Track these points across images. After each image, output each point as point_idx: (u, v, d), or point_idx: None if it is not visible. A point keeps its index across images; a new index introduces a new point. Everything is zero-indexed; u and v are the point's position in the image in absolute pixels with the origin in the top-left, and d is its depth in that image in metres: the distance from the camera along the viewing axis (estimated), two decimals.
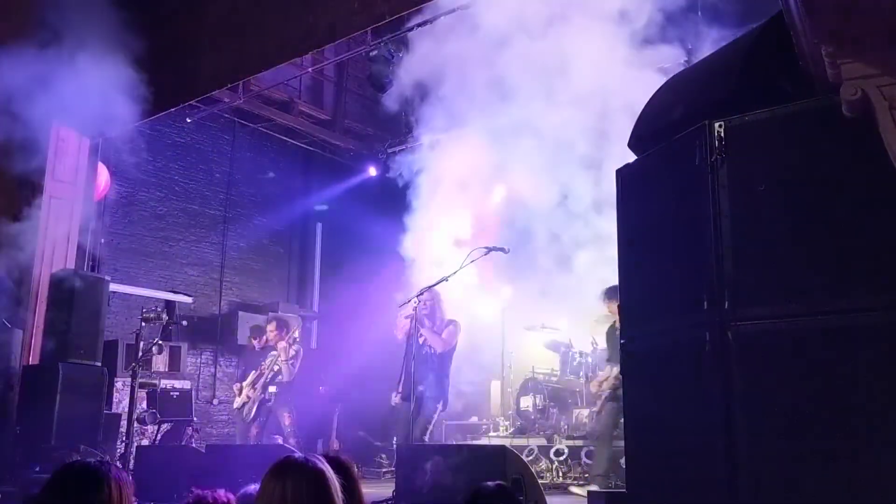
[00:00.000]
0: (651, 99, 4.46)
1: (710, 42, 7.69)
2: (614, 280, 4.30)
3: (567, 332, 9.89)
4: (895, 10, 2.87)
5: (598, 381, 6.95)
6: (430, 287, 6.55)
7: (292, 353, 8.05)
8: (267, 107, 11.10)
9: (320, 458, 2.28)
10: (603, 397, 6.74)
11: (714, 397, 3.33)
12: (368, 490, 6.81)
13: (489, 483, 3.18)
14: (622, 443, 4.35)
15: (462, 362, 11.53)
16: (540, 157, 9.53)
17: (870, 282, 3.07)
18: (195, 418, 9.34)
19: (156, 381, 8.71)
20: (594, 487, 5.94)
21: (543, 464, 7.60)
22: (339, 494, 2.21)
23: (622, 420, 4.86)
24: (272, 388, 8.01)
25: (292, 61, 7.98)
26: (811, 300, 3.17)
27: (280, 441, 7.73)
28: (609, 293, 6.29)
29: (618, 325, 5.90)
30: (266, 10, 7.38)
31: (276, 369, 8.03)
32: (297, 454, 2.35)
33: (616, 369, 6.16)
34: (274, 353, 8.16)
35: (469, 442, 9.01)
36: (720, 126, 3.48)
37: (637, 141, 4.25)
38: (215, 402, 10.64)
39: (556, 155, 9.24)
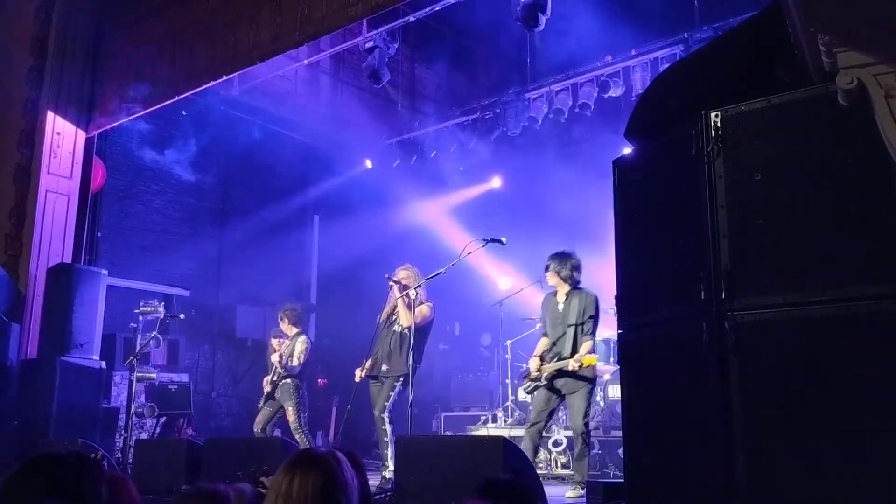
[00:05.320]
0: (647, 89, 4.47)
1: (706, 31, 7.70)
2: (611, 269, 4.28)
3: None
4: None
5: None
6: (427, 278, 6.42)
7: (301, 346, 7.73)
8: (263, 99, 11.06)
9: (340, 455, 2.25)
10: None
11: (711, 387, 3.34)
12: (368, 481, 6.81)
13: (501, 476, 3.19)
14: None
15: (461, 353, 11.59)
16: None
17: (868, 270, 3.07)
18: (193, 411, 9.34)
19: (154, 375, 8.69)
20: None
21: (542, 454, 7.62)
22: (348, 494, 2.17)
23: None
24: (287, 380, 7.66)
25: (288, 53, 7.93)
26: (808, 290, 3.17)
27: (278, 434, 7.65)
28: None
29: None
30: (260, 1, 7.35)
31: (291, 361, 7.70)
32: (318, 449, 2.32)
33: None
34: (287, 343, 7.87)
35: (467, 433, 9.03)
36: (716, 115, 3.47)
37: (633, 131, 4.25)
38: (214, 395, 10.64)
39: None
